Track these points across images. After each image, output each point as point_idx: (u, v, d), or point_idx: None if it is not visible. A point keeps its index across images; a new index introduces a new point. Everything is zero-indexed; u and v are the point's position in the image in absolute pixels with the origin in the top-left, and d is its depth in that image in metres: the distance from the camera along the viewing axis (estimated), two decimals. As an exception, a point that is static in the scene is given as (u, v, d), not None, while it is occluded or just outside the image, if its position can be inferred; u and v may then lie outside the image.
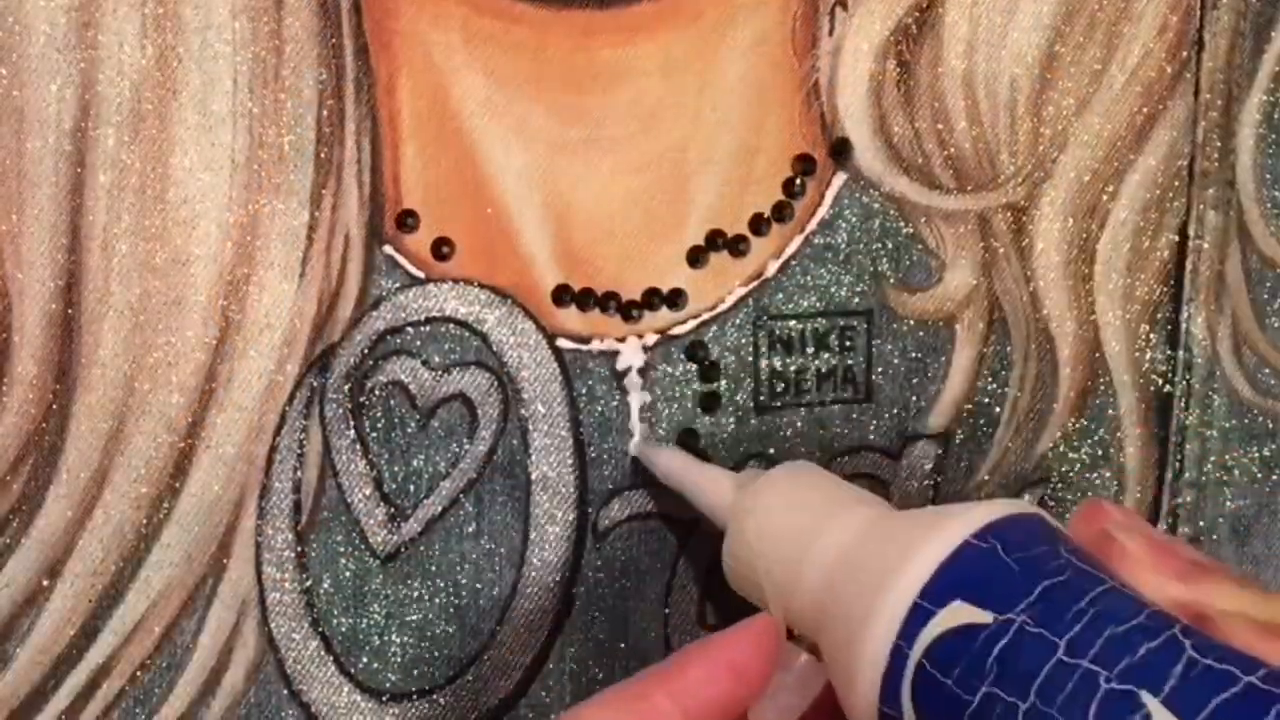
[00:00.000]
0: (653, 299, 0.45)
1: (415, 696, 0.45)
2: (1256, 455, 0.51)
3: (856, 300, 0.47)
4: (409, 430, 0.44)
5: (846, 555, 0.37)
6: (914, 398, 0.48)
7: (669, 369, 0.46)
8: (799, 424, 0.47)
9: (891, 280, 0.47)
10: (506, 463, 0.45)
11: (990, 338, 0.48)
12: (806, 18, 0.45)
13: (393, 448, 0.44)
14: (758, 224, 0.46)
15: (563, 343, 0.45)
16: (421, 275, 0.43)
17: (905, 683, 0.34)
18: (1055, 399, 0.49)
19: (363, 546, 0.44)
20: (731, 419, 0.46)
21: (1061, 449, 0.50)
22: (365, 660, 0.44)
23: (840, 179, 0.46)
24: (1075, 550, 0.35)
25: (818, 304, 0.47)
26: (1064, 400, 0.49)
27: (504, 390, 0.44)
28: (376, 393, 0.43)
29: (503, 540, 0.45)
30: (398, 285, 0.43)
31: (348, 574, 0.44)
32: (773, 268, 0.46)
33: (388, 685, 0.45)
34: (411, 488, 0.44)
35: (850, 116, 0.46)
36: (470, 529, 0.45)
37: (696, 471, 0.44)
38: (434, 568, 0.44)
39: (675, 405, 0.46)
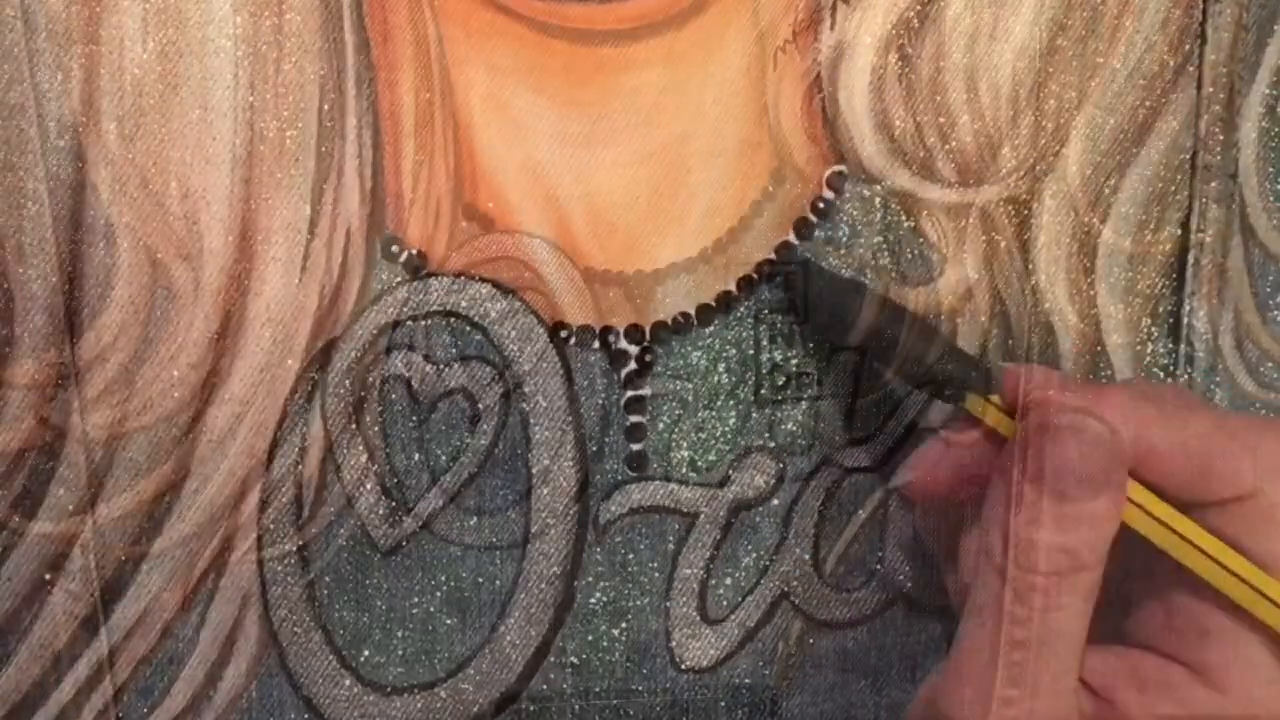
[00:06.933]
0: (654, 292, 0.45)
1: (416, 689, 0.45)
2: (1258, 448, 0.51)
3: (858, 294, 0.47)
4: (410, 424, 0.44)
5: None
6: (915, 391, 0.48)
7: (669, 362, 0.46)
8: (800, 417, 0.47)
9: (893, 274, 0.47)
10: (507, 456, 0.45)
11: (992, 331, 0.48)
12: (808, 11, 0.45)
13: (394, 442, 0.44)
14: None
15: (564, 336, 0.45)
16: (422, 269, 0.43)
17: None
18: (1056, 392, 0.49)
19: (364, 540, 0.44)
20: (732, 412, 0.46)
21: (1063, 442, 0.50)
22: (367, 653, 0.44)
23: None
24: None
25: (819, 298, 0.47)
26: (1065, 393, 0.49)
27: (505, 384, 0.44)
28: (378, 387, 0.43)
29: (504, 534, 0.45)
30: (399, 279, 0.43)
31: (349, 567, 0.44)
32: (774, 261, 0.46)
33: (389, 678, 0.45)
34: (413, 482, 0.44)
35: (852, 110, 0.46)
36: (471, 523, 0.45)
37: None
38: (435, 561, 0.45)
39: (675, 399, 0.46)
